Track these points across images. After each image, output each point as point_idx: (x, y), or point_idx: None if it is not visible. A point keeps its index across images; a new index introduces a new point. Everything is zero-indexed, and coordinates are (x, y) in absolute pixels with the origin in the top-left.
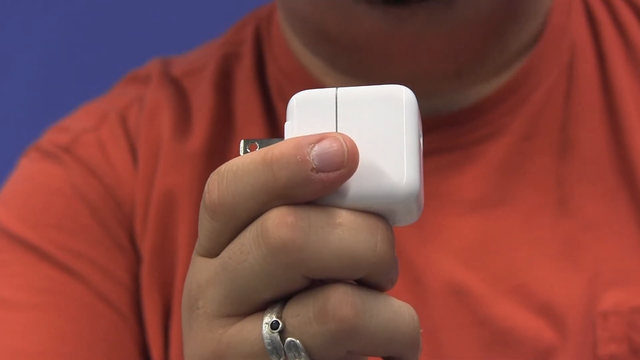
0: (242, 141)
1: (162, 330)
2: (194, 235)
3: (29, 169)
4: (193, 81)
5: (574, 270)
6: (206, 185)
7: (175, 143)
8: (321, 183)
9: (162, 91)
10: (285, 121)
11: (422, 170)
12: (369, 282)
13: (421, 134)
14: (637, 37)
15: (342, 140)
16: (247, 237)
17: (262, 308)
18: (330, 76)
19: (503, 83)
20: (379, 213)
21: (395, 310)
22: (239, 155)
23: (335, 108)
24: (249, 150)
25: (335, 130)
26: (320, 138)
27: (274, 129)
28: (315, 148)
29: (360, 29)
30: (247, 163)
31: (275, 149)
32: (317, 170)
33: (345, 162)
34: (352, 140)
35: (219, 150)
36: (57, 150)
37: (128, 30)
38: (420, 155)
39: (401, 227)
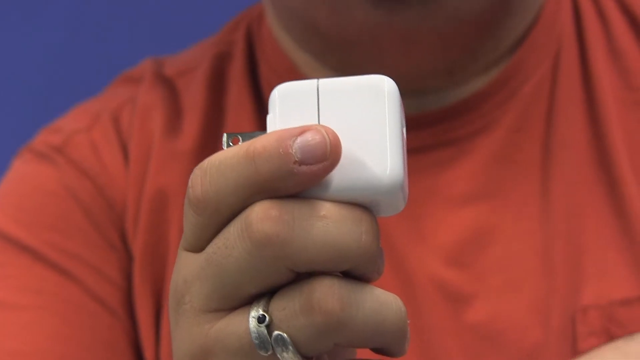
0: (224, 134)
1: (155, 329)
2: None
3: (22, 170)
4: (186, 81)
5: (556, 263)
6: (189, 181)
7: (166, 142)
8: (304, 176)
9: (154, 91)
10: None
11: (405, 160)
12: (355, 274)
13: (404, 125)
14: (619, 30)
15: (324, 132)
16: (232, 231)
17: (248, 302)
18: (321, 73)
19: (494, 77)
20: (363, 204)
21: (381, 301)
22: (222, 149)
23: (317, 99)
24: (231, 144)
25: (317, 122)
26: (302, 130)
27: (265, 127)
28: (298, 141)
29: (351, 22)
30: (229, 157)
31: (258, 143)
32: (300, 163)
33: (328, 154)
34: (334, 132)
35: (210, 148)
36: (49, 151)
37: (126, 31)
38: (403, 146)
39: (396, 224)
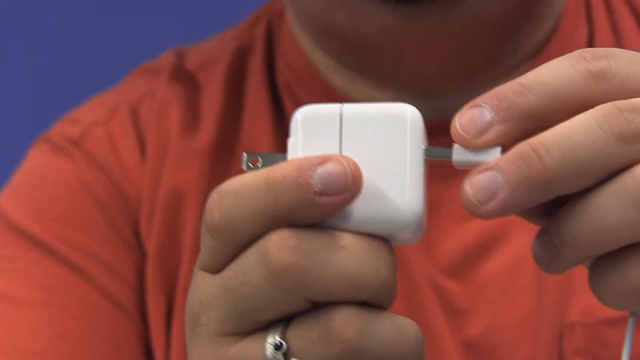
0: (244, 154)
1: (166, 329)
2: (200, 234)
3: (38, 161)
4: (206, 75)
5: (548, 275)
6: (207, 204)
7: (183, 140)
8: (324, 207)
9: (173, 86)
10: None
11: (425, 192)
12: (369, 302)
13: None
14: (632, 42)
15: (345, 162)
16: (249, 258)
17: (264, 327)
18: (338, 74)
19: None
20: (381, 235)
21: (399, 328)
22: (242, 168)
23: (339, 126)
24: (251, 165)
25: (339, 150)
26: (323, 160)
27: (282, 125)
28: (319, 171)
29: (370, 27)
30: (248, 184)
31: (277, 171)
32: (320, 193)
33: (349, 185)
34: (355, 163)
35: (227, 146)
36: (66, 143)
37: (131, 28)
38: (424, 176)
39: None
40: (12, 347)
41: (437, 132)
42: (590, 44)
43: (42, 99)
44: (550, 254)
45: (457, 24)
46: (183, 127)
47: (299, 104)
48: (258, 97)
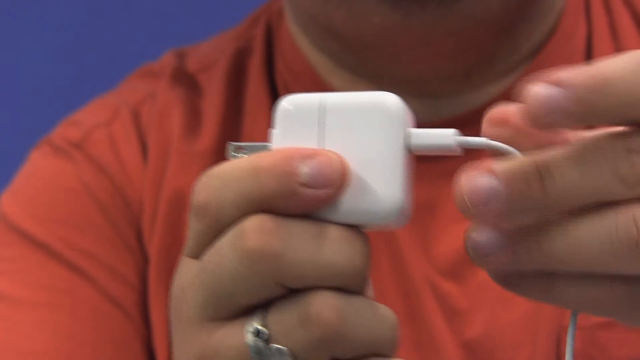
0: (229, 143)
1: (168, 332)
2: None
3: (40, 164)
4: (207, 77)
5: None
6: (195, 186)
7: (185, 143)
8: (307, 199)
9: (174, 89)
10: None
11: (409, 179)
12: (343, 288)
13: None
14: (630, 41)
15: (336, 159)
16: (225, 240)
17: (245, 312)
18: (337, 74)
19: (509, 85)
20: (362, 225)
21: (377, 312)
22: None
23: (322, 115)
24: (236, 155)
25: (320, 139)
26: (314, 154)
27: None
28: (308, 162)
29: (369, 24)
30: (235, 169)
31: (265, 158)
32: (305, 185)
33: (335, 181)
34: (345, 161)
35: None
36: (68, 146)
37: (131, 28)
38: (404, 165)
39: (404, 230)
40: (14, 348)
41: None
42: (589, 43)
43: (43, 101)
44: (496, 252)
45: (455, 21)
46: (184, 130)
47: None
48: (258, 99)
